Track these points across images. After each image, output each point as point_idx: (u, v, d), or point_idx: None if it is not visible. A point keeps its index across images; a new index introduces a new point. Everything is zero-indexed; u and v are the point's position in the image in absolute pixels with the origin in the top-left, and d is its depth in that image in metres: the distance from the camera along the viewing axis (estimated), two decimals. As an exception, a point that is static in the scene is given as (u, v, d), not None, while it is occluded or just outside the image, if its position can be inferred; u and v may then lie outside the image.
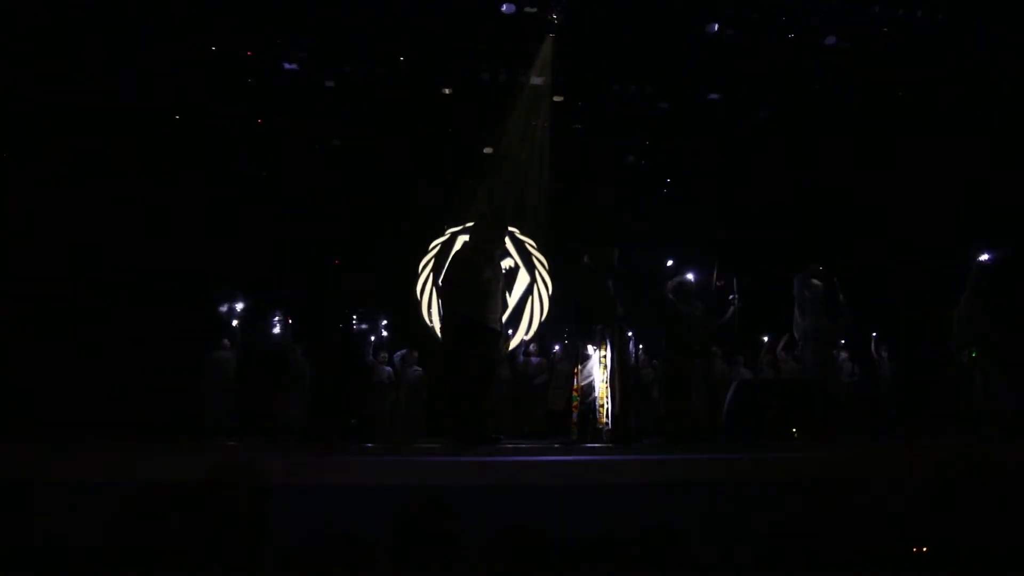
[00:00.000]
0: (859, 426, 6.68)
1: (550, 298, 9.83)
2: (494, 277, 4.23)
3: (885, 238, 8.18)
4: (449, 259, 4.43)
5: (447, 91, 8.75)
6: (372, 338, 7.99)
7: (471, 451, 3.51)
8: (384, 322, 8.36)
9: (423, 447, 4.24)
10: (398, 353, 8.20)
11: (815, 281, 5.78)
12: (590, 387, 4.80)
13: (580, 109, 9.27)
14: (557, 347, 8.43)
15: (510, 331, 9.36)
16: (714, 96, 8.90)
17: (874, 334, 7.98)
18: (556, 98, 9.06)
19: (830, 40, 7.78)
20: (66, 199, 7.47)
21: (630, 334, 5.90)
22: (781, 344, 7.89)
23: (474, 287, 4.05)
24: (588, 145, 9.61)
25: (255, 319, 7.74)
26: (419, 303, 9.54)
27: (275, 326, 7.46)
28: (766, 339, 8.29)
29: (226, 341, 7.32)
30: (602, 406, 4.71)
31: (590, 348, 4.87)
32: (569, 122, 9.39)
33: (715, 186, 9.49)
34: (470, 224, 7.83)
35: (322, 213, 9.25)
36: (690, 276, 5.40)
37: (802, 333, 5.83)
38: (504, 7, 7.29)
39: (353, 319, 8.10)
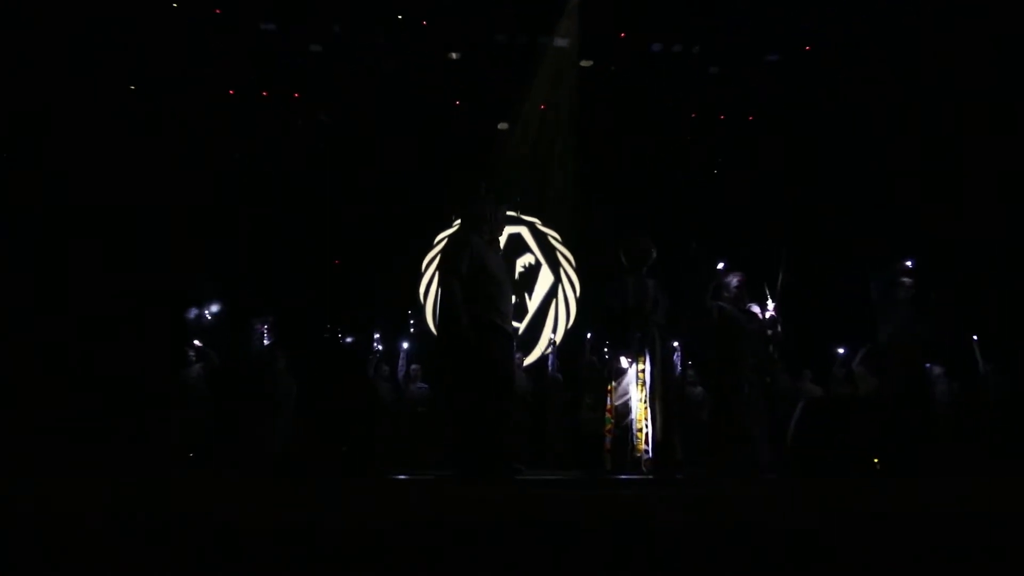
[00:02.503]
0: (957, 454, 6.55)
1: (577, 301, 9.80)
2: (499, 265, 4.16)
3: (985, 228, 8.03)
4: (441, 248, 4.31)
5: (454, 56, 8.77)
6: (375, 347, 8.05)
7: (483, 483, 3.50)
8: (376, 335, 8.39)
9: (426, 477, 4.24)
10: (402, 367, 8.25)
11: (904, 280, 5.70)
12: (626, 407, 4.77)
13: (612, 75, 9.22)
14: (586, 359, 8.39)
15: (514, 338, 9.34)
16: (774, 57, 8.79)
17: (975, 337, 7.80)
18: (584, 63, 9.03)
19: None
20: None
21: (675, 344, 5.85)
22: (859, 356, 7.76)
23: (476, 278, 3.97)
24: (622, 119, 9.56)
25: (230, 327, 7.81)
26: (423, 307, 9.57)
27: (257, 335, 7.52)
28: (841, 351, 8.16)
29: (193, 355, 7.39)
30: (640, 430, 4.67)
31: (624, 361, 4.84)
32: (599, 91, 9.35)
33: (778, 166, 9.38)
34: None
35: (309, 202, 9.33)
36: (735, 278, 5.32)
37: (885, 343, 5.75)
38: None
39: (341, 329, 8.17)
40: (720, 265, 5.51)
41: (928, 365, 6.95)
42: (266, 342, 7.39)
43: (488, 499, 2.57)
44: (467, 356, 3.92)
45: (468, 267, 3.96)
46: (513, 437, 7.29)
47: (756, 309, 5.48)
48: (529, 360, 9.10)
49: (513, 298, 6.71)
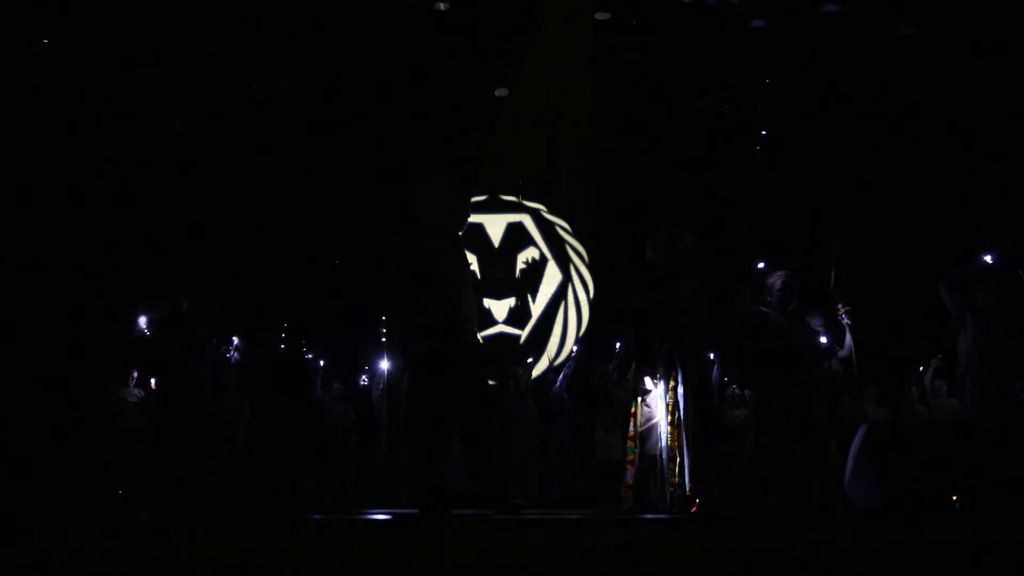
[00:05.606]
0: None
1: (591, 304, 9.81)
2: (462, 265, 4.19)
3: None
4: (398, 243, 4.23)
5: (442, 5, 8.78)
6: (321, 363, 8.14)
7: (476, 521, 3.51)
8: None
9: (400, 515, 4.24)
10: (379, 384, 8.28)
11: (986, 281, 5.71)
12: (652, 433, 4.79)
13: (635, 30, 9.23)
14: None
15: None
16: (833, 8, 8.77)
17: None
18: (600, 15, 9.04)
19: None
20: None
21: (712, 357, 5.85)
22: (931, 371, 7.76)
23: (439, 282, 3.99)
24: (647, 83, 9.57)
25: (172, 337, 7.83)
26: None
27: (213, 349, 7.56)
28: (921, 368, 8.14)
29: (133, 373, 7.39)
30: (672, 460, 4.69)
31: (647, 380, 4.86)
32: (619, 50, 9.35)
33: (836, 142, 9.37)
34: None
35: (265, 184, 9.34)
36: (778, 279, 5.35)
37: (965, 356, 5.77)
38: None
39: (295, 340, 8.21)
40: (761, 264, 5.53)
41: (1022, 383, 6.95)
42: (211, 354, 7.42)
43: (481, 544, 2.57)
44: (424, 375, 3.96)
45: (419, 269, 3.98)
46: (513, 466, 7.35)
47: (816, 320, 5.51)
48: (534, 374, 9.11)
49: (512, 301, 6.74)
